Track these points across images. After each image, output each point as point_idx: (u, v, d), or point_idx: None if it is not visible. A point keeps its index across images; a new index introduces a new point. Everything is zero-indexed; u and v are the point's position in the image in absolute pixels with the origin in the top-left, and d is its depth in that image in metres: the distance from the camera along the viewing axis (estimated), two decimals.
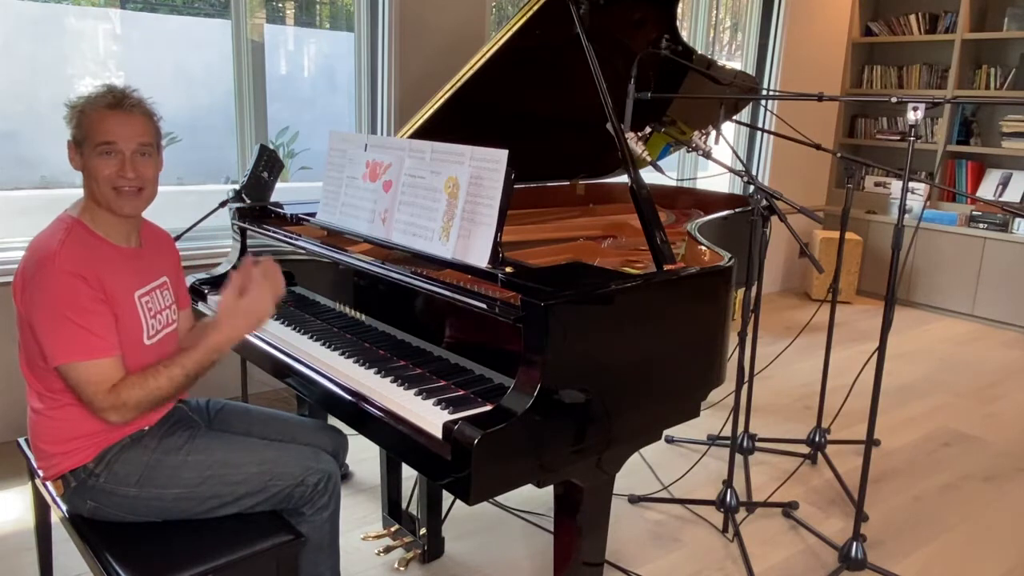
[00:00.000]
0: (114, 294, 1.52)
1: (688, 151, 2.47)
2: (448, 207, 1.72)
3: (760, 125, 5.23)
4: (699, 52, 2.75)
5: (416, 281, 1.71)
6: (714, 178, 3.67)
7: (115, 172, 1.51)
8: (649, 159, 2.33)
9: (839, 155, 2.62)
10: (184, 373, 1.51)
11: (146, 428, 1.59)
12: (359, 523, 2.45)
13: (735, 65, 3.87)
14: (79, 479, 1.55)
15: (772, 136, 5.24)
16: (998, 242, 5.02)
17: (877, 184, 5.81)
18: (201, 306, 2.31)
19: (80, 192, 1.59)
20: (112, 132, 1.50)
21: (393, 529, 2.27)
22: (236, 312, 1.56)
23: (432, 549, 2.25)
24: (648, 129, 2.58)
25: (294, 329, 1.99)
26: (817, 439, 3.02)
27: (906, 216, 2.18)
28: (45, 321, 1.44)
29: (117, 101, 1.51)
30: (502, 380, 1.55)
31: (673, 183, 3.46)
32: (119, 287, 1.54)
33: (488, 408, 1.47)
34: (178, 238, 2.62)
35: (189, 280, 2.40)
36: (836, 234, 5.16)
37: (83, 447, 1.54)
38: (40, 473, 1.61)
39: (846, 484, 2.81)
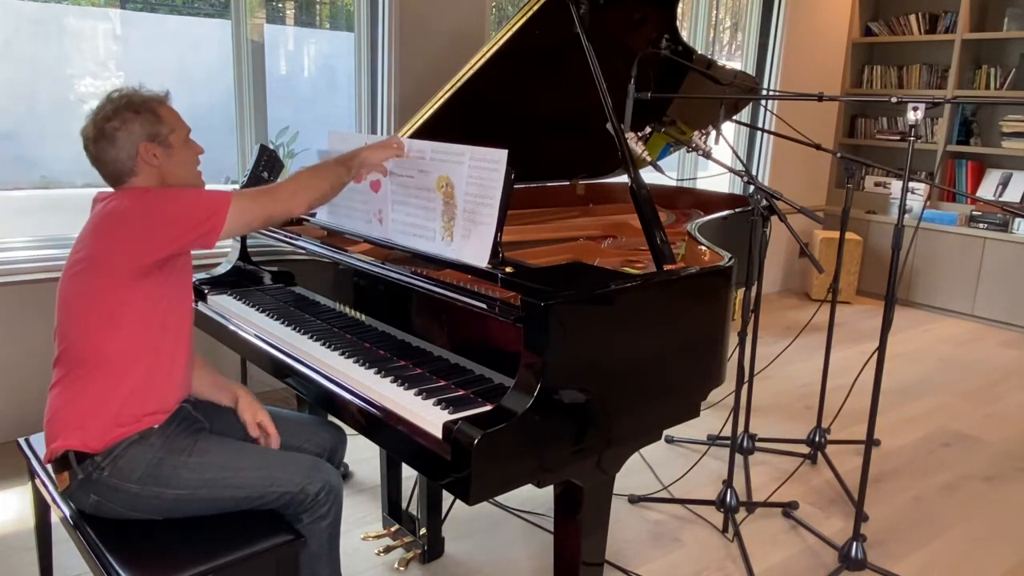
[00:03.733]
0: None
1: (688, 151, 2.47)
2: (445, 207, 1.72)
3: (760, 125, 5.23)
4: (699, 52, 2.76)
5: (416, 281, 1.71)
6: (714, 178, 3.67)
7: (196, 152, 1.71)
8: (649, 159, 2.33)
9: (839, 155, 2.62)
10: (334, 161, 1.76)
11: (154, 427, 1.59)
12: (359, 523, 2.45)
13: (735, 65, 3.87)
14: (85, 472, 1.54)
15: (772, 136, 5.24)
16: (998, 242, 5.02)
17: (877, 184, 5.81)
18: (201, 306, 2.31)
19: (84, 192, 1.61)
20: (185, 122, 1.69)
21: (393, 529, 2.28)
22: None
23: (432, 549, 2.25)
24: (648, 129, 2.58)
25: (294, 329, 1.99)
26: (817, 439, 3.02)
27: (906, 216, 2.18)
28: (190, 211, 1.53)
29: (167, 95, 1.67)
30: (502, 380, 1.55)
31: (673, 183, 3.46)
32: None
33: (488, 408, 1.47)
34: None
35: None
36: (836, 234, 5.16)
37: (98, 428, 1.53)
38: (41, 473, 1.61)
39: (846, 484, 2.81)
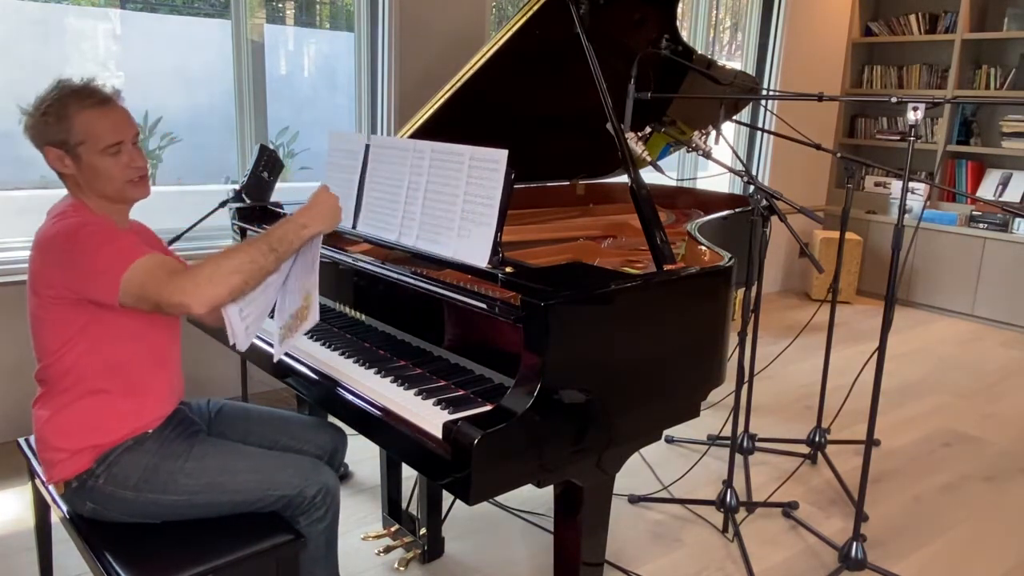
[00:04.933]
0: None
1: (688, 151, 2.47)
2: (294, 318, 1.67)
3: (760, 125, 5.23)
4: (699, 52, 2.76)
5: (416, 281, 1.71)
6: (714, 178, 3.67)
7: (128, 165, 1.54)
8: (649, 159, 2.32)
9: (839, 155, 2.62)
10: (267, 245, 1.49)
11: (149, 431, 1.59)
12: (359, 523, 2.45)
13: (735, 65, 3.87)
14: (80, 480, 1.55)
15: (772, 136, 5.24)
16: (998, 242, 5.02)
17: (877, 184, 5.81)
18: None
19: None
20: (118, 131, 1.53)
21: (393, 529, 2.27)
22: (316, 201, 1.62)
23: (432, 549, 2.25)
24: (648, 129, 2.58)
25: None
26: (817, 439, 3.02)
27: (906, 216, 2.18)
28: (88, 264, 1.44)
29: (107, 98, 1.53)
30: (502, 380, 1.55)
31: (673, 183, 3.46)
32: None
33: (488, 408, 1.47)
34: (178, 238, 2.63)
35: None
36: (836, 234, 5.16)
37: (88, 453, 1.54)
38: (42, 475, 1.61)
39: (846, 484, 2.81)
